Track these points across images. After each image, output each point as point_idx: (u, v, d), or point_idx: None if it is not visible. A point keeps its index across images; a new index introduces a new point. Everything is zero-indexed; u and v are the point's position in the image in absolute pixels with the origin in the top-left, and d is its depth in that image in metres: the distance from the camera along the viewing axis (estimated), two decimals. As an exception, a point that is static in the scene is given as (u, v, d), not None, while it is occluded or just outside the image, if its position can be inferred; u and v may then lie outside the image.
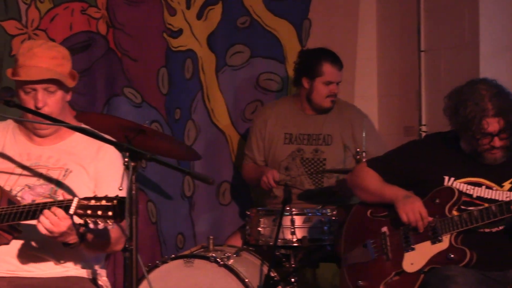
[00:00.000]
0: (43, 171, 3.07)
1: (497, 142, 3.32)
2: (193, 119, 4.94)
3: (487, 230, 3.36)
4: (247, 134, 4.97)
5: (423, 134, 5.11)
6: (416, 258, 3.40)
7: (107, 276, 3.28)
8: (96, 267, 3.16)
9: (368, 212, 3.60)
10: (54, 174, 3.06)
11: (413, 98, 5.23)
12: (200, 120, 4.97)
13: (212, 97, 5.01)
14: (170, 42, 4.83)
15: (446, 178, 3.44)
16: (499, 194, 3.37)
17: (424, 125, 5.16)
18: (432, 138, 3.65)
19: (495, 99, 3.30)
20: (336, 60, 4.56)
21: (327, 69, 4.53)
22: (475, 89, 3.35)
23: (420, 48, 5.17)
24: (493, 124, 3.29)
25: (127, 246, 2.66)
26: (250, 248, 4.19)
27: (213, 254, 3.93)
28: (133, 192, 2.62)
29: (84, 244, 2.91)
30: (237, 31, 5.06)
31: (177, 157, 4.57)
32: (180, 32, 4.87)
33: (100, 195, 2.79)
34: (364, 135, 4.37)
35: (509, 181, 3.39)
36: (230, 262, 3.92)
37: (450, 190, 3.40)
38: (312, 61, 4.56)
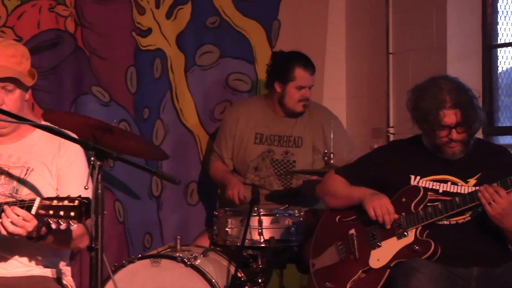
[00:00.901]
0: (4, 170, 3.03)
1: (454, 135, 3.37)
2: (161, 118, 4.92)
3: (453, 222, 3.40)
4: (216, 134, 4.96)
5: (391, 136, 5.15)
6: (382, 254, 3.43)
7: (73, 276, 3.25)
8: (61, 266, 3.13)
9: (337, 218, 3.63)
10: (15, 173, 3.02)
11: (381, 100, 5.26)
12: (168, 120, 4.95)
13: (181, 96, 5.00)
14: (139, 41, 4.81)
15: (412, 177, 3.48)
16: (465, 189, 3.41)
17: (392, 127, 5.19)
18: (396, 143, 3.77)
19: (453, 92, 3.37)
20: (308, 65, 4.54)
21: (300, 73, 4.52)
22: (435, 83, 3.42)
23: (389, 51, 5.20)
24: (450, 116, 3.34)
25: (93, 245, 2.64)
26: (218, 249, 4.19)
27: (180, 254, 3.92)
28: (99, 191, 2.61)
29: (45, 241, 2.88)
30: (206, 31, 5.05)
31: (145, 157, 4.56)
32: (149, 31, 4.85)
33: (62, 193, 2.76)
34: (332, 136, 4.39)
35: (474, 177, 3.43)
36: (197, 262, 3.91)
37: (416, 188, 3.44)
38: (285, 65, 4.54)
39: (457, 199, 3.35)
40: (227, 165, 4.70)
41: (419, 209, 3.41)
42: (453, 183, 3.44)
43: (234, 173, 4.71)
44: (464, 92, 3.40)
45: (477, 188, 3.34)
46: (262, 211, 4.10)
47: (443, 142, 3.40)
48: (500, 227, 3.31)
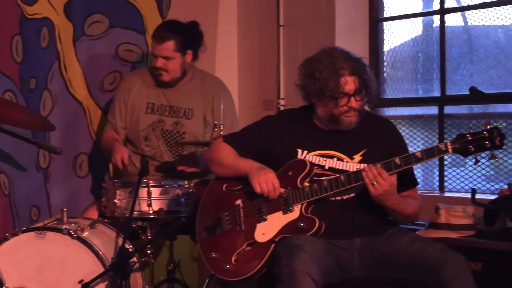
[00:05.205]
0: None
1: (353, 102, 3.40)
2: (49, 89, 4.82)
3: (338, 198, 3.44)
4: (105, 105, 4.90)
5: (281, 108, 5.20)
6: (267, 228, 3.44)
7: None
8: None
9: (224, 187, 3.62)
10: None
11: (272, 72, 5.30)
12: (56, 91, 4.86)
13: (69, 67, 4.90)
14: (25, 9, 4.67)
15: (300, 151, 3.49)
16: (350, 165, 3.45)
17: (283, 99, 5.25)
18: (285, 113, 3.70)
19: (348, 60, 3.40)
20: (156, 35, 4.52)
21: (151, 42, 4.58)
22: (328, 53, 3.44)
23: (279, 23, 5.24)
24: (350, 83, 3.38)
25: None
26: (106, 220, 4.15)
27: (67, 227, 3.87)
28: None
29: None
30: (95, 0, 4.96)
31: (32, 128, 4.44)
32: (35, -1, 4.73)
33: None
34: (222, 107, 4.40)
35: (359, 154, 3.47)
36: (84, 234, 3.86)
37: (302, 162, 3.45)
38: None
39: (342, 177, 3.37)
40: (120, 134, 4.67)
41: (305, 184, 3.43)
42: (339, 159, 3.47)
43: (128, 143, 4.68)
44: (357, 60, 3.44)
45: (363, 167, 3.38)
46: (151, 183, 4.08)
47: (342, 112, 3.41)
48: (380, 204, 3.37)
